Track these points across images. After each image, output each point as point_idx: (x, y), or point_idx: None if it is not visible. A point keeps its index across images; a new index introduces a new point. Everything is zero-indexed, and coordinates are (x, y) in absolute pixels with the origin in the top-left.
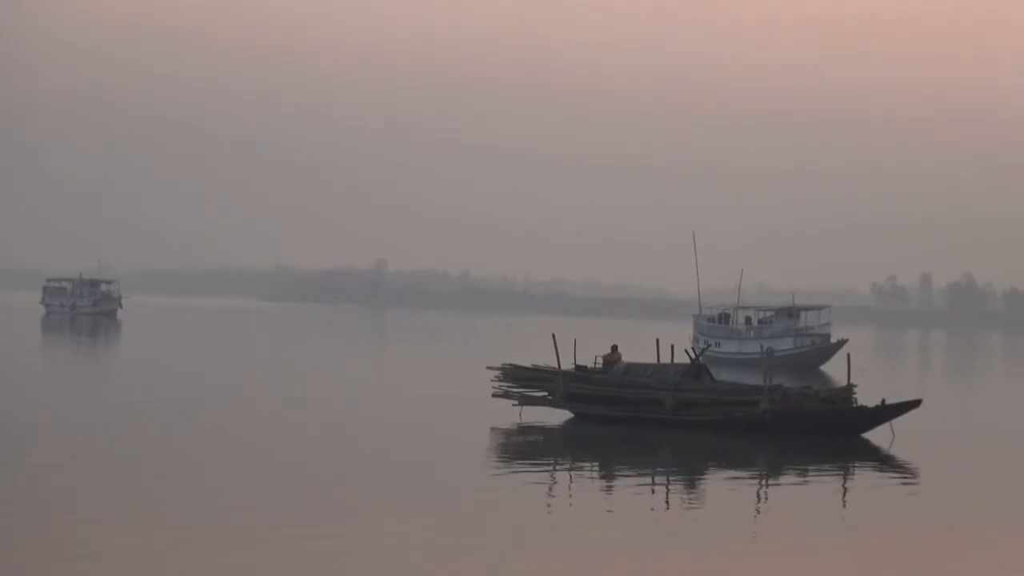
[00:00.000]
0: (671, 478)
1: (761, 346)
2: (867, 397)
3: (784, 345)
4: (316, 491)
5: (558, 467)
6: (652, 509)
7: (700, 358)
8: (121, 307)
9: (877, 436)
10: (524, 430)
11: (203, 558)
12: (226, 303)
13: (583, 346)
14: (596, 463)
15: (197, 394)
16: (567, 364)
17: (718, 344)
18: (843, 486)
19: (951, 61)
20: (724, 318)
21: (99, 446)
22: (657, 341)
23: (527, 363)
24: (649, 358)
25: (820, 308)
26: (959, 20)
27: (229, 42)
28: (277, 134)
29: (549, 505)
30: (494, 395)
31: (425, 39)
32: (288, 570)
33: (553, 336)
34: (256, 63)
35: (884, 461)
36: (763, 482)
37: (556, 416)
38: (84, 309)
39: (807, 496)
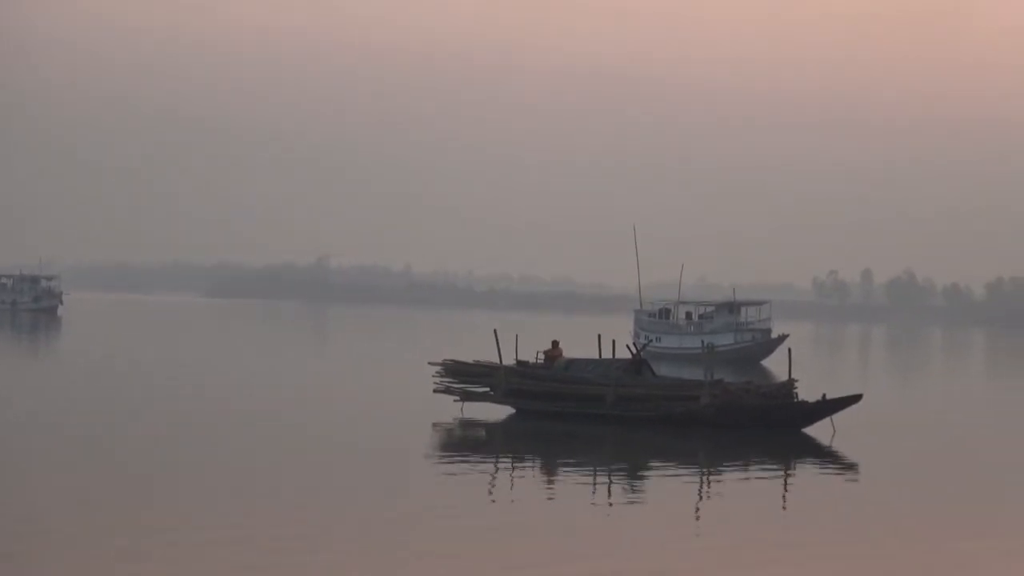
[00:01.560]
0: (613, 473)
1: (702, 341)
2: (808, 392)
3: (725, 340)
4: (252, 488)
5: (499, 462)
6: (594, 504)
7: (641, 353)
8: (62, 303)
9: (818, 431)
10: (465, 425)
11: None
12: (168, 299)
13: (525, 341)
14: (537, 458)
15: (135, 391)
16: (509, 360)
17: (659, 339)
18: (784, 481)
19: (890, 61)
20: (665, 313)
21: (34, 444)
22: (599, 337)
23: (469, 359)
24: (590, 353)
25: (761, 303)
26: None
27: (181, 37)
28: (218, 130)
29: (490, 500)
30: (435, 391)
31: (370, 35)
32: (220, 569)
33: (495, 331)
34: (201, 58)
35: (824, 456)
36: (704, 477)
37: (497, 412)
38: (24, 306)
39: (748, 491)
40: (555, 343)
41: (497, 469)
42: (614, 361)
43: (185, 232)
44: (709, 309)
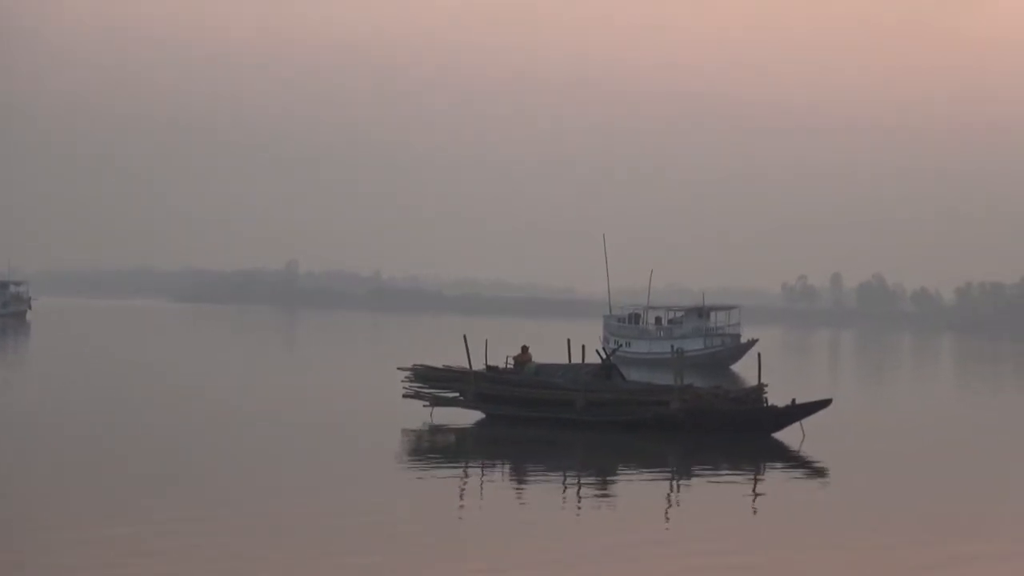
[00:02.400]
0: (582, 478)
1: (671, 346)
2: (777, 397)
3: (694, 345)
4: (217, 494)
5: (469, 468)
6: (563, 508)
7: (611, 358)
8: (31, 308)
9: (787, 436)
10: (435, 431)
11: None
12: (138, 304)
13: (494, 346)
14: (507, 463)
15: (101, 397)
16: (478, 365)
17: (628, 344)
18: (753, 486)
19: (860, 67)
20: (634, 318)
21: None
22: (568, 341)
23: (438, 363)
24: (560, 358)
25: (730, 308)
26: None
27: (135, 35)
28: (185, 134)
29: (460, 504)
30: (405, 396)
31: (338, 36)
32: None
33: (464, 337)
34: (173, 59)
35: (794, 460)
36: (674, 482)
37: (467, 417)
38: None
39: (718, 496)
40: (525, 348)
41: (467, 474)
42: (584, 366)
43: (154, 237)
44: (678, 314)
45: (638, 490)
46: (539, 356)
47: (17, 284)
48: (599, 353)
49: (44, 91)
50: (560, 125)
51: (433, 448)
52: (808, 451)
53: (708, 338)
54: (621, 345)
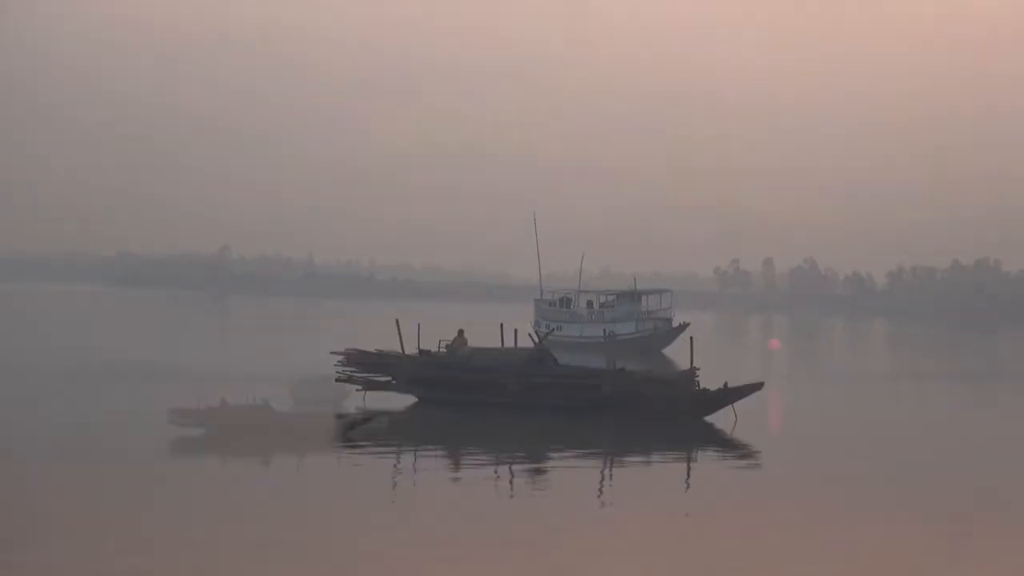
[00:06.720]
0: (515, 462)
1: (603, 330)
2: (710, 380)
3: (626, 329)
4: (137, 471)
5: (402, 451)
6: (496, 492)
7: (543, 342)
8: None
9: (720, 419)
10: (368, 415)
11: None
12: (69, 289)
13: (427, 331)
14: (441, 447)
15: (28, 383)
16: (411, 349)
17: (560, 328)
18: (686, 469)
19: (773, 56)
20: (565, 302)
21: None
22: (501, 326)
23: (371, 348)
24: (494, 343)
25: (662, 292)
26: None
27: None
28: (113, 117)
29: (393, 489)
30: (338, 380)
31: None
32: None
33: (396, 321)
34: (80, 39)
35: (726, 444)
36: (607, 465)
37: (400, 401)
38: None
39: (650, 479)
40: (460, 332)
41: (399, 458)
42: (517, 350)
43: (84, 222)
44: (610, 298)
45: (570, 473)
46: (473, 340)
47: None
48: (532, 337)
49: None
50: (488, 111)
51: (366, 432)
52: (740, 435)
53: (640, 322)
54: (553, 329)
